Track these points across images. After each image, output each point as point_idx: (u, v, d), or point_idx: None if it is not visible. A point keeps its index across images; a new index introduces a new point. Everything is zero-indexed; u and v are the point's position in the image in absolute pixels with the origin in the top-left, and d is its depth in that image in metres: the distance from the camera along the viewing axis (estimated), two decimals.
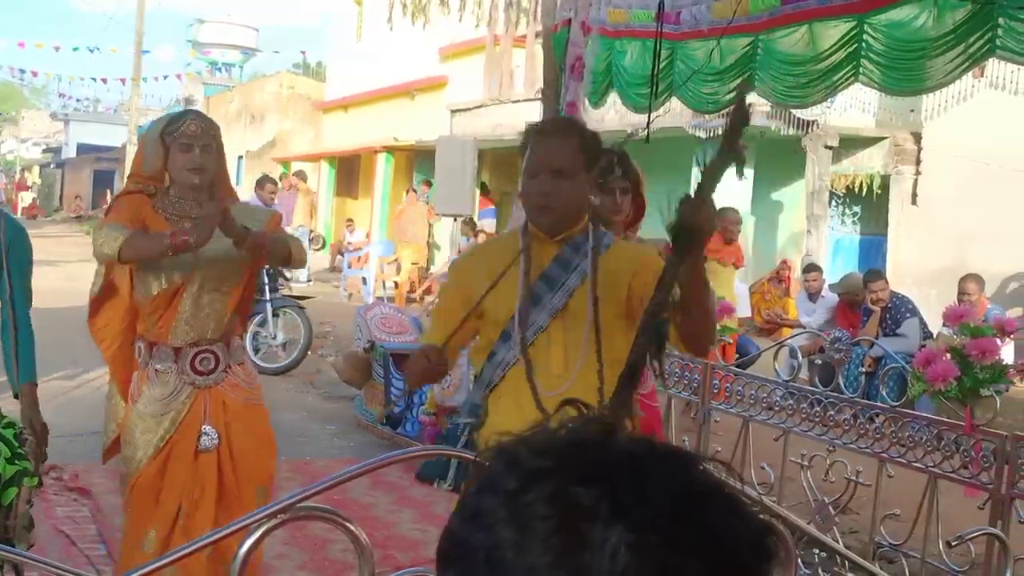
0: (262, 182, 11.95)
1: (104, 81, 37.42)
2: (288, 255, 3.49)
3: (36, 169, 52.36)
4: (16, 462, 3.24)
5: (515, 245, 2.85)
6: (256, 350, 9.66)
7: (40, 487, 3.55)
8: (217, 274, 3.44)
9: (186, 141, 3.40)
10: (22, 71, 35.97)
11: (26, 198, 44.67)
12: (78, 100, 48.35)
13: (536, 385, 2.73)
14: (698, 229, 2.38)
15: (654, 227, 3.03)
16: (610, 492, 0.75)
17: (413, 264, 17.46)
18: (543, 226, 2.80)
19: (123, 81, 34.16)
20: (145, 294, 3.44)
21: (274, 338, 9.93)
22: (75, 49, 31.88)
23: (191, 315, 3.43)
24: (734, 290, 9.21)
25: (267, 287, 9.59)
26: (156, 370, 3.44)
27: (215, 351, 3.48)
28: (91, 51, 31.80)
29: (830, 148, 13.04)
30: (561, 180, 2.70)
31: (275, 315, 9.90)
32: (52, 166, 49.58)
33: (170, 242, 3.22)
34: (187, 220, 3.39)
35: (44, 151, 56.35)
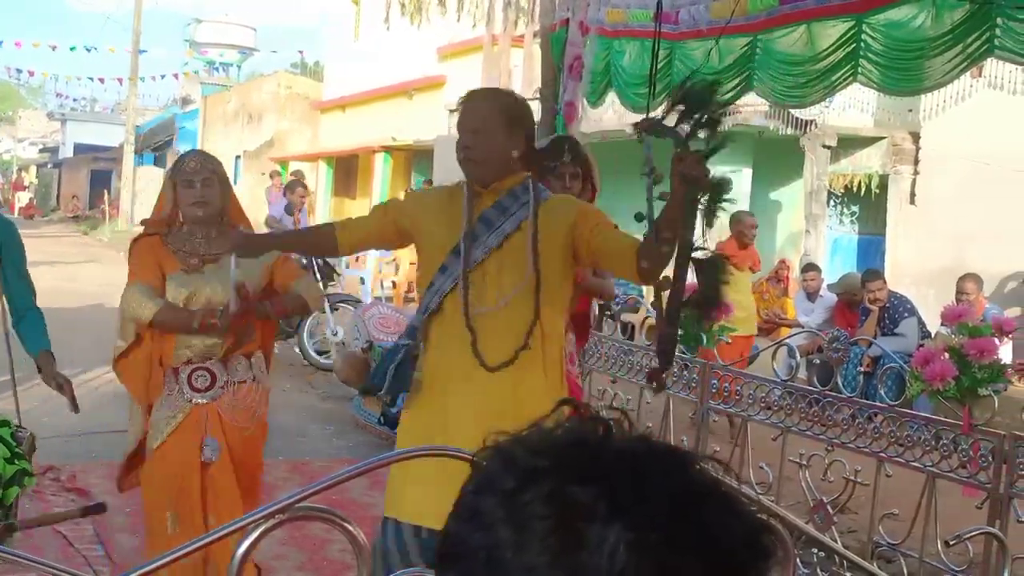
0: (292, 186, 11.88)
1: (101, 81, 37.42)
2: (306, 307, 3.88)
3: (33, 169, 52.33)
4: (15, 462, 3.24)
5: (461, 192, 3.18)
6: (317, 349, 10.17)
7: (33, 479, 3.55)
8: (214, 307, 3.67)
9: (187, 177, 3.71)
10: (19, 70, 35.97)
11: (23, 198, 44.65)
12: (75, 100, 48.35)
13: (469, 306, 3.00)
14: (699, 179, 2.70)
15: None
16: (608, 491, 0.75)
17: (412, 264, 17.43)
18: (470, 176, 3.14)
19: (120, 81, 34.16)
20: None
21: (334, 334, 10.11)
22: (72, 49, 31.83)
23: (186, 337, 3.69)
24: (750, 294, 9.13)
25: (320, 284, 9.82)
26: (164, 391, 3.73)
27: (211, 370, 3.72)
28: (88, 50, 31.79)
29: (828, 148, 13.06)
30: (477, 136, 3.05)
31: (333, 310, 10.21)
32: (49, 166, 49.56)
33: (198, 324, 3.58)
34: (194, 257, 3.71)
35: (41, 151, 56.33)
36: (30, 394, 7.70)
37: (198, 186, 3.69)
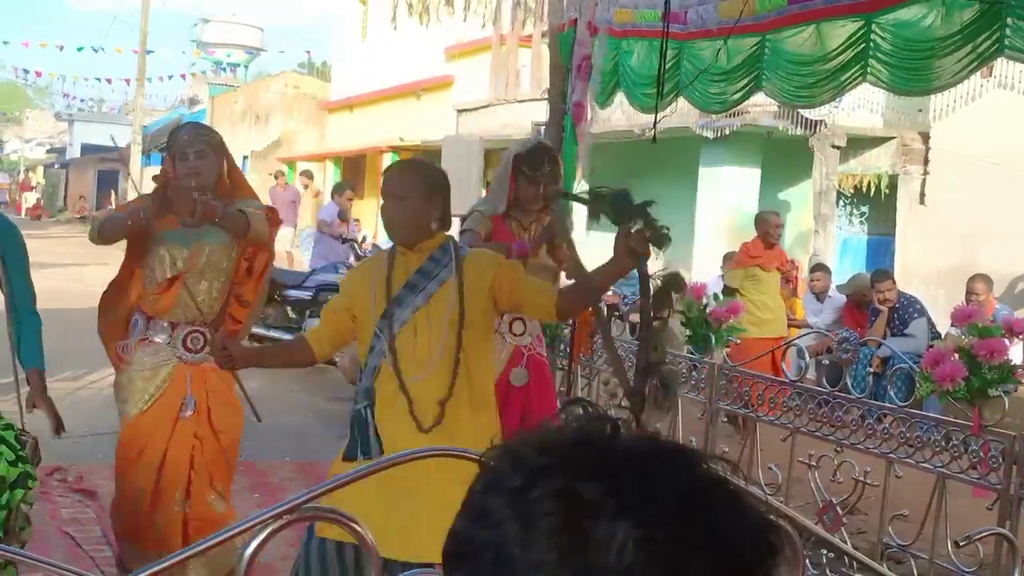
0: (340, 188, 11.79)
1: (108, 81, 37.58)
2: (246, 227, 3.90)
3: (40, 169, 52.46)
4: (19, 464, 3.24)
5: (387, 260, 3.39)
6: None
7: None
8: (212, 265, 3.99)
9: (182, 150, 3.94)
10: (26, 71, 36.09)
11: (30, 199, 44.77)
12: (82, 100, 48.45)
13: (400, 371, 3.21)
14: (644, 255, 3.23)
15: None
16: (615, 489, 0.75)
17: None
18: (395, 239, 3.37)
19: (128, 81, 34.19)
20: (151, 278, 3.98)
21: None
22: (79, 49, 31.95)
23: (188, 298, 3.90)
24: (778, 295, 8.99)
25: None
26: (151, 340, 3.98)
27: (204, 332, 3.97)
28: (95, 51, 31.85)
29: (837, 148, 13.02)
30: (399, 202, 3.26)
31: None
32: (56, 166, 49.68)
33: (129, 218, 3.83)
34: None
35: (48, 151, 56.50)
36: None
37: (191, 158, 3.92)
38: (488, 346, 3.44)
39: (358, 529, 2.32)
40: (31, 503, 3.44)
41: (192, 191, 3.79)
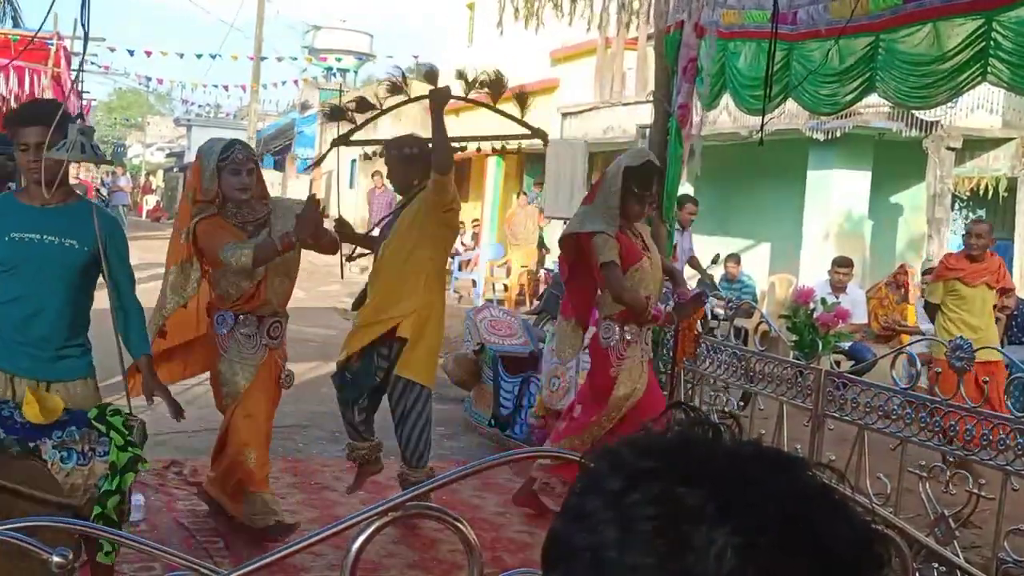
0: (681, 202, 11.54)
1: (225, 88, 38.46)
2: (335, 243, 4.97)
3: (160, 173, 54.23)
4: (128, 449, 3.35)
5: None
6: None
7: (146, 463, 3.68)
8: (284, 266, 4.74)
9: (235, 167, 4.57)
10: (148, 78, 37.22)
11: (151, 201, 46.27)
12: (200, 106, 49.86)
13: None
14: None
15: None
16: (716, 494, 0.74)
17: (523, 267, 17.51)
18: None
19: (243, 88, 35.07)
20: (236, 285, 4.68)
21: None
22: (198, 56, 32.84)
23: (271, 296, 4.74)
24: (987, 315, 7.67)
25: None
26: (243, 334, 4.75)
27: (281, 322, 4.86)
28: (212, 58, 32.71)
29: (953, 150, 12.63)
30: (403, 165, 5.34)
31: None
32: (175, 170, 51.24)
33: (281, 246, 4.43)
34: (250, 224, 4.66)
35: (167, 155, 58.32)
36: None
37: (244, 174, 4.58)
38: (440, 233, 5.26)
39: (462, 528, 2.35)
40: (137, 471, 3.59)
41: (319, 221, 4.52)
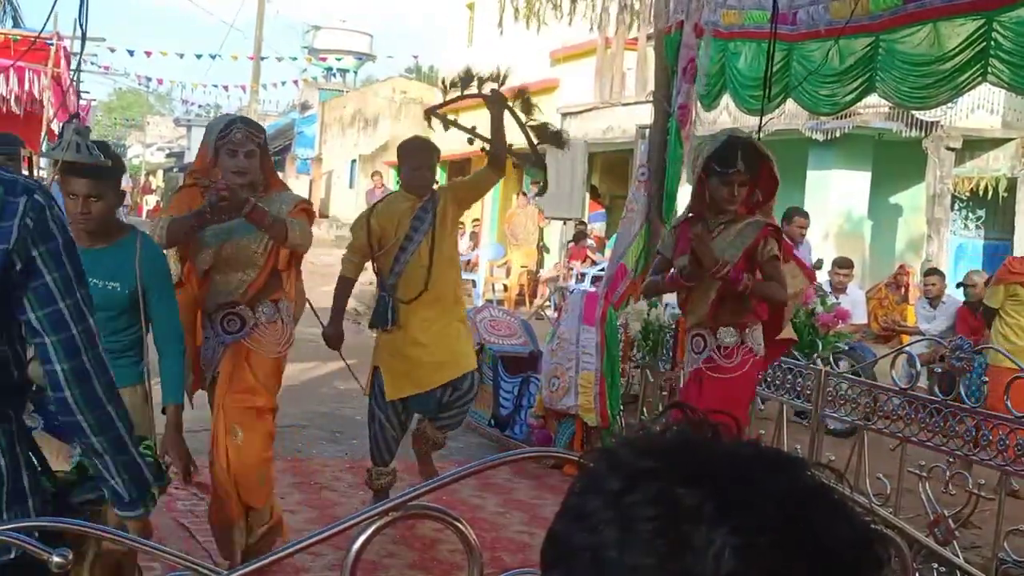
0: (790, 215, 9.47)
1: (225, 88, 38.47)
2: (285, 235, 4.12)
3: (160, 173, 54.25)
4: (162, 479, 3.33)
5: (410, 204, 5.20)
6: None
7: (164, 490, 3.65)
8: (237, 260, 4.22)
9: (232, 147, 4.12)
10: (148, 79, 37.21)
11: (150, 201, 46.27)
12: (200, 106, 49.89)
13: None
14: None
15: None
16: (715, 494, 0.74)
17: (523, 268, 17.51)
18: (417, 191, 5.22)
19: (243, 88, 35.07)
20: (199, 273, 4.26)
21: None
22: (198, 56, 32.84)
23: (223, 286, 4.26)
24: None
25: None
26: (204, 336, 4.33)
27: (240, 314, 4.28)
28: (212, 58, 32.72)
29: (953, 150, 12.64)
30: (431, 168, 5.27)
31: None
32: (175, 170, 51.26)
33: (193, 220, 4.00)
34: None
35: (167, 155, 58.37)
36: (154, 392, 8.00)
37: (241, 156, 4.12)
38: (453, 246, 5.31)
39: (462, 528, 2.35)
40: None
41: (246, 196, 4.03)
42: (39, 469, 2.14)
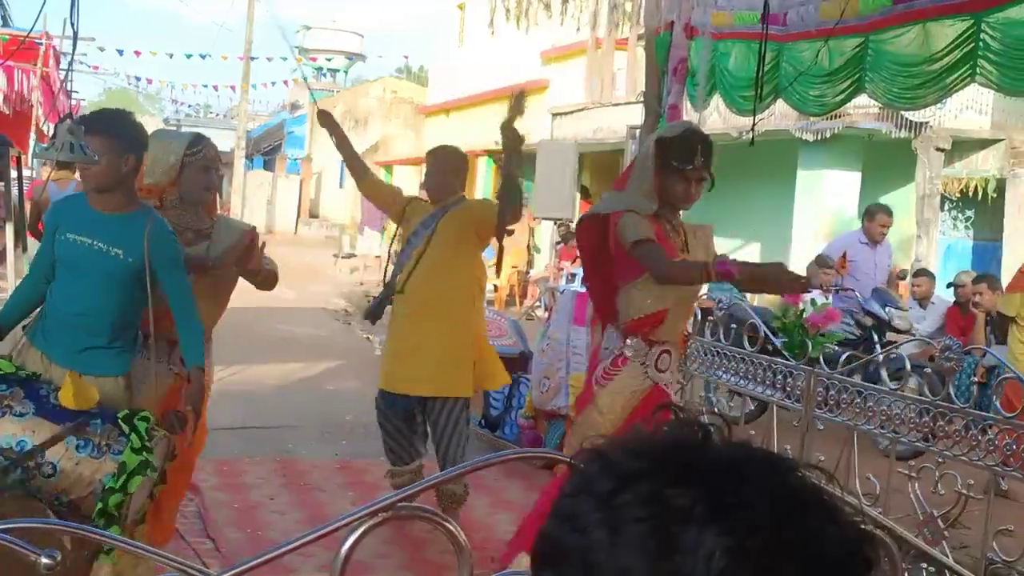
0: (873, 212, 9.22)
1: (215, 88, 38.48)
2: (276, 279, 4.44)
3: None
4: (143, 453, 3.37)
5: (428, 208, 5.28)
6: None
7: (163, 484, 3.65)
8: (212, 289, 4.14)
9: (207, 163, 4.14)
10: (137, 78, 37.19)
11: None
12: (190, 106, 49.82)
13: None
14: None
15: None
16: (705, 495, 0.74)
17: (513, 268, 17.51)
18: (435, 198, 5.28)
19: (233, 88, 35.03)
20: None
21: None
22: (188, 56, 32.79)
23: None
24: None
25: None
26: (147, 358, 3.95)
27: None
28: (202, 57, 32.68)
29: (942, 150, 12.68)
30: (443, 178, 5.24)
31: None
32: None
33: (192, 266, 3.91)
34: (189, 231, 4.09)
35: None
36: None
37: (212, 174, 4.20)
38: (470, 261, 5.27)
39: (451, 529, 2.35)
40: (152, 496, 3.58)
41: (262, 252, 4.26)
42: None
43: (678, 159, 3.92)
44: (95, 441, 3.37)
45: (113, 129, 3.61)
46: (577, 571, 0.77)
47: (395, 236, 5.45)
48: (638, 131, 6.91)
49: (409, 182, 27.16)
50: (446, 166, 5.23)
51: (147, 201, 4.00)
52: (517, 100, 5.07)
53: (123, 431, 3.40)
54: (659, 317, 3.99)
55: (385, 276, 5.43)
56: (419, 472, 5.23)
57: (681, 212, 4.17)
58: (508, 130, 4.99)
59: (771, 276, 3.91)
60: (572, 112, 18.63)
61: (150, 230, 3.62)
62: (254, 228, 4.50)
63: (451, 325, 5.12)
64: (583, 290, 8.09)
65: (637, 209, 3.97)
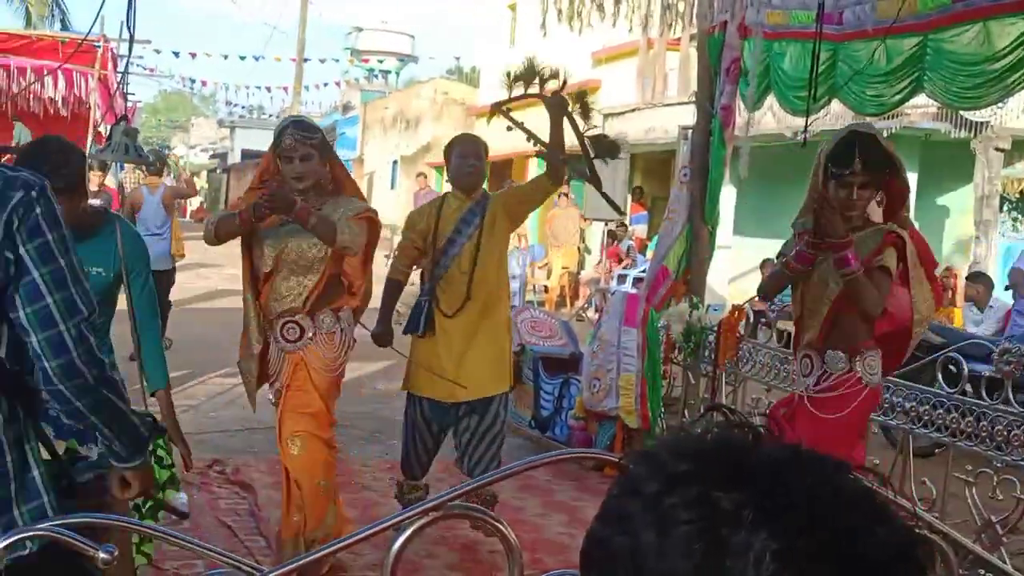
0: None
1: (268, 89, 38.86)
2: (332, 237, 4.05)
3: (204, 174, 54.80)
4: (169, 468, 3.40)
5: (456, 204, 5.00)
6: None
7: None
8: (300, 264, 4.21)
9: (287, 154, 4.12)
10: (192, 81, 37.71)
11: (194, 202, 46.77)
12: (243, 108, 50.38)
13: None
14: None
15: None
16: (754, 497, 0.74)
17: (564, 268, 17.48)
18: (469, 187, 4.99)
19: (285, 89, 35.37)
20: (258, 276, 4.31)
21: None
22: (242, 58, 33.19)
23: (283, 292, 4.25)
24: None
25: None
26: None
27: (300, 323, 4.27)
28: (256, 59, 33.06)
29: (1002, 151, 12.45)
30: (479, 164, 4.99)
31: None
32: (218, 171, 51.73)
33: (238, 217, 4.09)
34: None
35: (211, 156, 58.95)
36: (196, 391, 8.08)
37: (296, 162, 4.10)
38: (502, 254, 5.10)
39: (502, 529, 2.35)
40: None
41: (291, 193, 4.04)
42: (52, 465, 2.17)
43: (835, 164, 3.80)
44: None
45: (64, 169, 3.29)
46: (625, 572, 0.76)
47: (429, 248, 4.99)
48: (690, 132, 6.86)
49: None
50: (479, 151, 4.98)
51: (268, 184, 4.19)
52: (582, 105, 5.10)
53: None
54: (796, 324, 4.14)
55: (424, 284, 5.08)
56: (427, 490, 5.00)
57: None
58: (553, 98, 4.88)
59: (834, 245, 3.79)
60: (624, 113, 18.56)
61: (122, 240, 3.58)
62: (370, 209, 4.38)
63: (499, 322, 5.01)
64: (634, 291, 8.06)
65: (794, 227, 4.02)
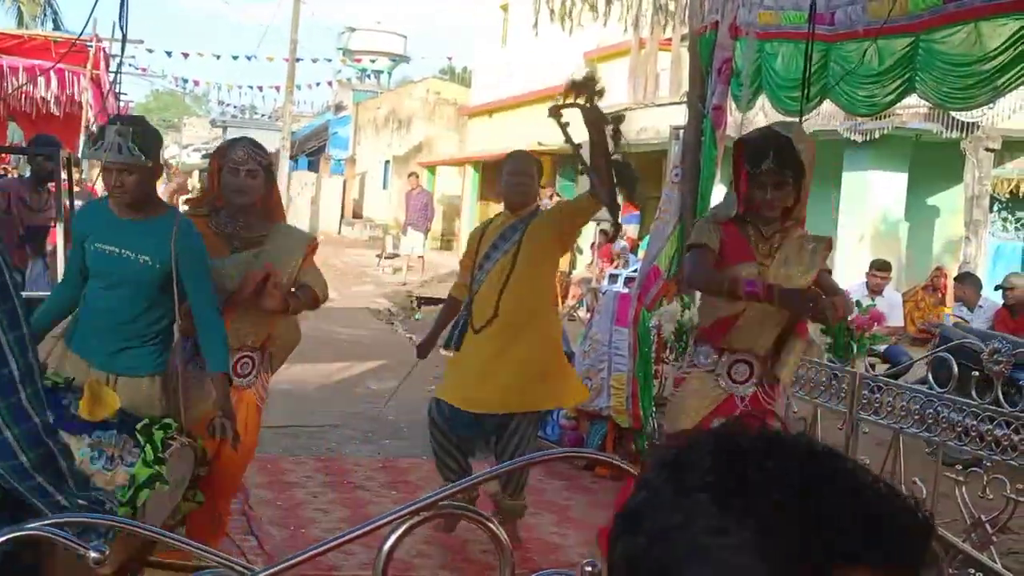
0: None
1: (260, 89, 38.86)
2: (317, 302, 4.12)
3: (196, 174, 54.70)
4: (154, 466, 3.37)
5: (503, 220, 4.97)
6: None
7: (196, 489, 3.68)
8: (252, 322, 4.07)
9: (233, 166, 3.98)
10: (185, 80, 37.65)
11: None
12: (235, 107, 50.30)
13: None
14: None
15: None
16: (732, 476, 0.76)
17: (562, 275, 17.49)
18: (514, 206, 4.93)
19: (277, 89, 35.35)
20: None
21: None
22: (235, 58, 33.17)
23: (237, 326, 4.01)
24: None
25: None
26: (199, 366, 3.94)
27: (253, 357, 4.15)
28: (248, 59, 33.04)
29: (992, 151, 12.49)
30: (530, 181, 5.01)
31: None
32: None
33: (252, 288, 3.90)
34: (238, 240, 4.03)
35: (203, 156, 58.84)
36: None
37: (242, 175, 3.98)
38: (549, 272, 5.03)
39: (492, 528, 2.35)
40: (200, 501, 3.63)
41: (284, 291, 3.98)
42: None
43: (749, 162, 3.78)
44: (108, 453, 3.35)
45: (143, 145, 3.51)
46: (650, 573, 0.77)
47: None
48: (681, 132, 6.88)
49: (452, 182, 27.32)
50: (530, 168, 4.97)
51: (194, 211, 4.08)
52: (615, 130, 4.82)
53: (138, 442, 3.38)
54: (726, 324, 3.93)
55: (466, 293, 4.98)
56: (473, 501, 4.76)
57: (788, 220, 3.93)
58: (590, 111, 4.73)
59: (798, 307, 3.78)
60: (615, 113, 18.57)
61: (177, 233, 3.59)
62: (314, 239, 4.30)
63: (541, 338, 4.82)
64: (625, 291, 8.07)
65: (716, 214, 4.00)
